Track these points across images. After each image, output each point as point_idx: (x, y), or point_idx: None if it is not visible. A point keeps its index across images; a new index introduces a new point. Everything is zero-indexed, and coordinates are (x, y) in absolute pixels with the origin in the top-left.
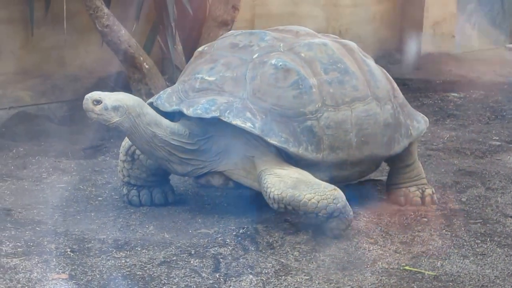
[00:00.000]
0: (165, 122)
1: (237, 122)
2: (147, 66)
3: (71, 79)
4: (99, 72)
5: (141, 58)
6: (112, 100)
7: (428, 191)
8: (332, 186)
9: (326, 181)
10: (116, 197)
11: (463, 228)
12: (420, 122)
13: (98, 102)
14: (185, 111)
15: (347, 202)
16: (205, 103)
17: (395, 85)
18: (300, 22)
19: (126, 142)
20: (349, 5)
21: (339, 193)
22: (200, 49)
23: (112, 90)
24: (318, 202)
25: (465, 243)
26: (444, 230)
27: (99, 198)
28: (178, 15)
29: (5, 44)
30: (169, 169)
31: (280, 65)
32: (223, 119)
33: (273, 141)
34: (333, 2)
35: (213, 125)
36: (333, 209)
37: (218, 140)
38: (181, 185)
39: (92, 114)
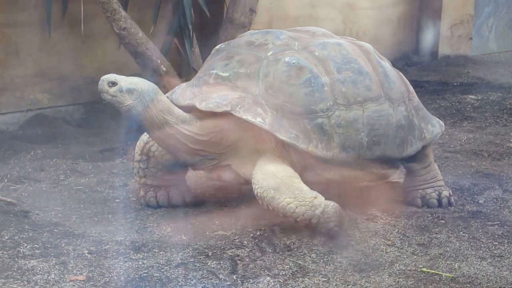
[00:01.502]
0: (178, 110)
1: (248, 117)
2: (164, 69)
3: (88, 82)
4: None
5: (159, 61)
6: (127, 83)
7: (445, 193)
8: (314, 194)
9: (337, 180)
10: (134, 199)
11: (480, 230)
12: (435, 126)
13: (113, 84)
14: (197, 105)
15: (327, 207)
16: (217, 97)
17: (411, 88)
18: (317, 24)
19: (140, 142)
20: (366, 7)
21: (318, 201)
22: (217, 46)
23: None
24: (296, 207)
25: (482, 245)
26: (461, 232)
27: (117, 200)
28: (196, 18)
29: (22, 47)
30: (178, 158)
31: (293, 62)
32: (234, 113)
33: (282, 136)
34: (350, 4)
35: (225, 119)
36: (311, 216)
37: (229, 134)
38: (199, 187)
39: (107, 95)
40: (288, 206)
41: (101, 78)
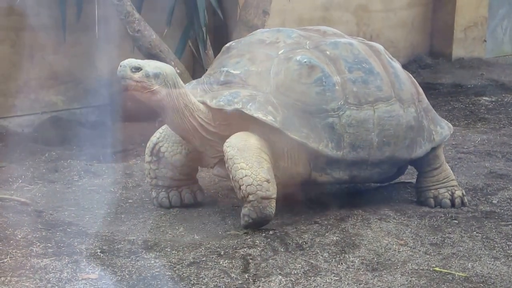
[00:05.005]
0: (193, 97)
1: (259, 115)
2: (178, 71)
3: (102, 84)
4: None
5: (172, 63)
6: (152, 67)
7: (458, 193)
8: (269, 178)
9: (346, 179)
10: (147, 199)
11: (494, 230)
12: (443, 128)
13: (137, 69)
14: (208, 102)
15: (270, 199)
16: (228, 95)
17: (420, 90)
18: (331, 27)
19: (150, 142)
20: (380, 9)
21: (267, 185)
22: (227, 44)
23: None
24: (245, 176)
25: (496, 245)
26: (474, 232)
27: (130, 201)
28: (209, 20)
29: (37, 50)
30: (191, 144)
31: (305, 61)
32: (245, 111)
33: (293, 135)
34: (364, 7)
35: (235, 115)
36: (252, 192)
37: (238, 129)
38: (212, 187)
39: (130, 81)
40: (239, 170)
41: (121, 63)
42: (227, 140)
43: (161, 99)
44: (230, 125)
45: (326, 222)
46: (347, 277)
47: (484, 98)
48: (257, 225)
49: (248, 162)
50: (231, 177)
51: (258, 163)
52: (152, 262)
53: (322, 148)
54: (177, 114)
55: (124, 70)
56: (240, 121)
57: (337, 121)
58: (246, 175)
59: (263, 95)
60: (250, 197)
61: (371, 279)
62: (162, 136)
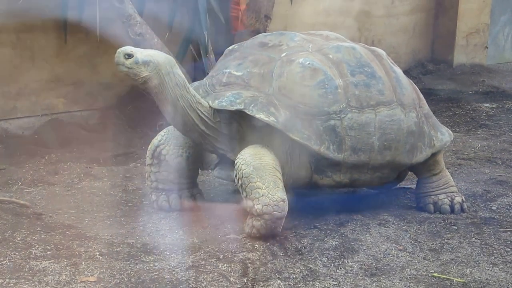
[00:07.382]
0: (193, 90)
1: (261, 116)
2: None
3: (103, 87)
4: (131, 80)
5: None
6: (143, 55)
7: (458, 199)
8: (284, 197)
9: (346, 183)
10: (146, 202)
11: (493, 236)
12: (444, 134)
13: (129, 56)
14: (210, 103)
15: (283, 219)
16: (231, 96)
17: (421, 96)
18: (333, 32)
19: (151, 145)
20: (382, 15)
21: (283, 205)
22: (230, 47)
23: (146, 98)
24: (262, 196)
25: (494, 251)
26: (473, 238)
27: (129, 204)
28: (211, 24)
29: (38, 52)
30: (189, 137)
31: (308, 64)
32: (247, 112)
33: (295, 136)
34: (366, 12)
35: (236, 115)
36: (268, 212)
37: (238, 128)
38: (211, 191)
39: (123, 67)
40: (256, 190)
41: (117, 50)
42: (240, 156)
43: (153, 87)
44: (232, 124)
45: (325, 227)
46: (346, 282)
47: (485, 104)
48: (262, 238)
49: (265, 181)
50: (244, 194)
51: (274, 182)
52: (151, 265)
53: (324, 150)
54: (172, 106)
55: (118, 56)
56: (241, 120)
57: (339, 123)
58: (263, 195)
59: (265, 97)
60: (266, 216)
61: (369, 284)
62: (163, 139)
